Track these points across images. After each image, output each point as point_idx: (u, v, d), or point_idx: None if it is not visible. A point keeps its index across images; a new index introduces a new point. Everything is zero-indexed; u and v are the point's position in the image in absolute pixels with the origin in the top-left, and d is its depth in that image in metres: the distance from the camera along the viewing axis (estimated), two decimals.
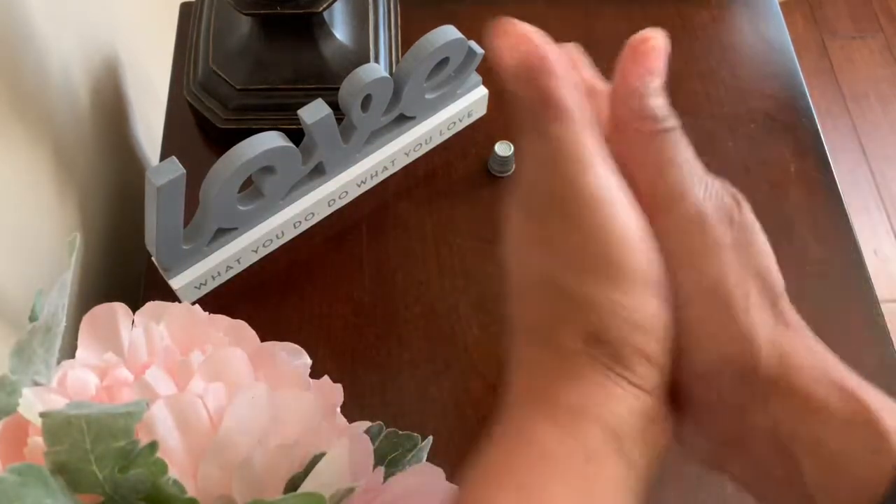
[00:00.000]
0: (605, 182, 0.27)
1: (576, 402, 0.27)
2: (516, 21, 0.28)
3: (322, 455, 0.34)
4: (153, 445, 0.29)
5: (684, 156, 0.29)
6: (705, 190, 0.29)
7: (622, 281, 0.27)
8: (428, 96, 0.61)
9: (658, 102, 0.29)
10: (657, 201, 0.29)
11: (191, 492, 0.30)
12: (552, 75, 0.28)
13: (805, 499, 0.27)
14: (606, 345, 0.27)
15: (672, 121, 0.29)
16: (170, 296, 0.56)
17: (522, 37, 0.28)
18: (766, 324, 0.28)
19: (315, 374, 0.42)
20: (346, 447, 0.34)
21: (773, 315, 0.28)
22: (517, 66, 0.28)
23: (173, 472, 0.30)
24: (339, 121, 0.56)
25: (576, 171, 0.27)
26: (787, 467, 0.27)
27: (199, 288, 0.58)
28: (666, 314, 0.28)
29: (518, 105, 0.29)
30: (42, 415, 0.28)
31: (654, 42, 0.29)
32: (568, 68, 0.28)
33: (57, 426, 0.28)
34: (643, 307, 0.27)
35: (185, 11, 0.73)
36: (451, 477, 0.37)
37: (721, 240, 0.28)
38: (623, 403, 0.27)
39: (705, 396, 0.28)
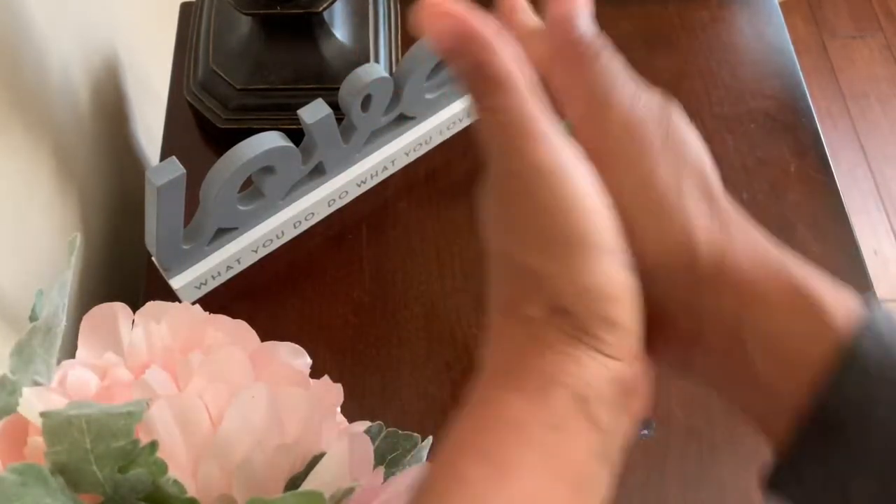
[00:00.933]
0: (554, 150, 0.27)
1: (544, 372, 0.27)
2: (437, 0, 0.27)
3: (322, 455, 0.34)
4: (153, 445, 0.29)
5: (613, 70, 0.30)
6: (633, 98, 0.29)
7: (579, 250, 0.27)
8: (428, 96, 0.61)
9: (586, 28, 0.31)
10: (589, 113, 0.29)
11: (191, 492, 0.30)
12: (484, 47, 0.27)
13: (759, 388, 0.28)
14: (571, 316, 0.27)
15: (600, 43, 0.30)
16: (170, 296, 0.56)
17: (447, 13, 0.27)
18: (702, 215, 0.28)
19: (315, 374, 0.42)
20: (345, 447, 0.34)
21: (709, 207, 0.28)
22: (449, 45, 0.28)
23: (173, 472, 0.30)
24: (339, 121, 0.56)
25: (523, 143, 0.27)
26: (739, 358, 0.28)
27: (200, 288, 0.58)
28: (630, 279, 0.27)
29: (463, 84, 0.28)
30: (42, 415, 0.28)
31: None
32: (500, 37, 0.28)
33: (57, 426, 0.28)
34: (604, 274, 0.27)
35: (185, 11, 0.73)
36: None
37: (651, 141, 0.28)
38: (592, 371, 0.27)
39: (654, 294, 0.28)
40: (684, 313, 0.28)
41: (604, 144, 0.29)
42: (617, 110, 0.29)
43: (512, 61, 0.28)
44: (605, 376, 0.27)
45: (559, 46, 0.30)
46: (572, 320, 0.27)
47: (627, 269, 0.27)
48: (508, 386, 0.27)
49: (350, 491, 0.33)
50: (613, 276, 0.27)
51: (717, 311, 0.28)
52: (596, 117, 0.29)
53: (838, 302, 0.27)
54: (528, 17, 0.33)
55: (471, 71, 0.28)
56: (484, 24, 0.27)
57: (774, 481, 0.28)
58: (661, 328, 0.29)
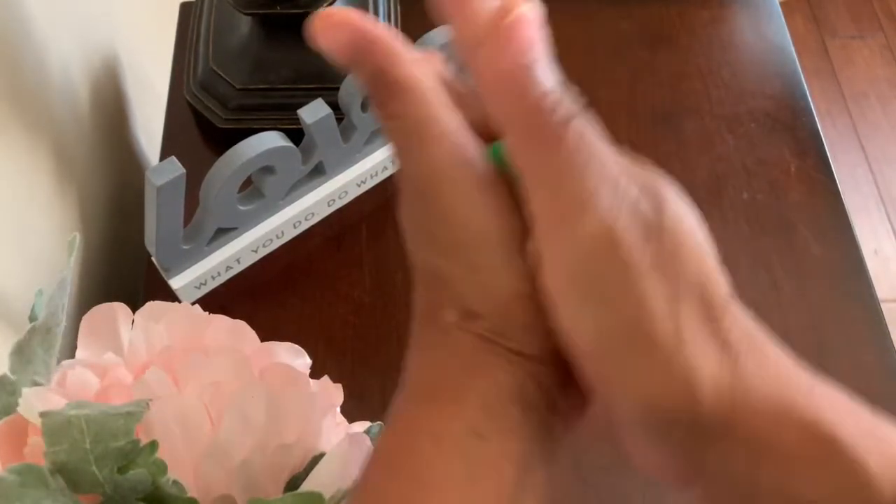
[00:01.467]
0: (450, 150, 0.25)
1: (458, 379, 0.25)
2: (334, 9, 0.26)
3: (322, 455, 0.34)
4: (153, 445, 0.29)
5: (589, 151, 0.23)
6: (615, 195, 0.23)
7: (475, 249, 0.24)
8: None
9: (547, 85, 0.23)
10: (553, 217, 0.23)
11: (191, 492, 0.30)
12: (381, 54, 0.25)
13: None
14: (481, 317, 0.25)
15: (571, 105, 0.24)
16: (170, 296, 0.56)
17: (343, 23, 0.25)
18: (708, 357, 0.22)
19: (315, 374, 0.42)
20: (345, 447, 0.34)
21: (715, 343, 0.22)
22: (348, 56, 0.26)
23: (173, 473, 0.30)
24: (339, 121, 0.56)
25: (420, 146, 0.25)
26: None
27: (199, 288, 0.58)
28: (529, 271, 0.24)
29: (367, 93, 0.27)
30: (42, 415, 0.28)
31: (520, 12, 0.23)
32: (399, 43, 0.26)
33: (57, 426, 0.28)
34: (504, 271, 0.24)
35: (185, 11, 0.73)
36: None
37: (637, 263, 0.22)
38: (508, 373, 0.24)
39: (636, 448, 0.25)
40: (688, 470, 0.24)
41: (569, 268, 0.23)
42: (591, 218, 0.22)
43: (410, 64, 0.25)
44: (521, 378, 0.25)
45: (508, 113, 0.24)
46: (482, 322, 0.25)
47: (527, 261, 0.24)
48: (424, 398, 0.25)
49: (350, 492, 0.33)
50: (514, 272, 0.24)
51: (727, 472, 0.23)
52: (560, 226, 0.23)
53: (878, 451, 0.22)
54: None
55: (370, 79, 0.26)
56: (379, 31, 0.25)
57: None
58: (640, 467, 0.26)
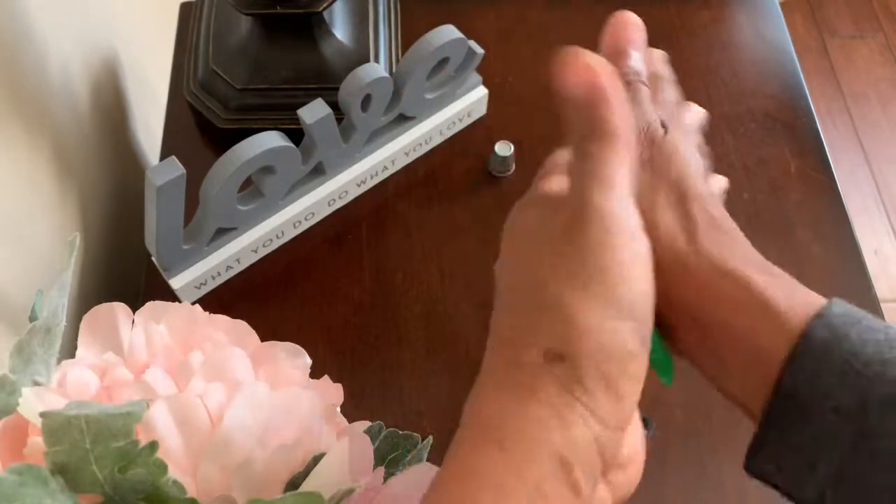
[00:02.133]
0: (624, 207, 0.28)
1: (527, 428, 0.26)
2: (581, 51, 0.28)
3: (322, 455, 0.34)
4: (153, 445, 0.29)
5: (635, 96, 0.35)
6: (639, 116, 0.34)
7: (608, 303, 0.26)
8: (428, 96, 0.61)
9: (632, 64, 0.36)
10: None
11: (191, 492, 0.30)
12: (608, 104, 0.28)
13: (731, 378, 0.31)
14: (568, 363, 0.26)
15: (641, 78, 0.36)
16: (170, 296, 0.56)
17: (587, 67, 0.28)
18: (671, 224, 0.32)
19: (315, 374, 0.42)
20: (345, 447, 0.34)
21: (678, 216, 0.32)
22: (579, 95, 0.28)
23: (173, 473, 0.30)
24: (339, 121, 0.56)
25: (600, 190, 0.28)
26: (710, 350, 0.31)
27: (200, 288, 0.58)
28: (643, 354, 0.27)
29: (566, 127, 0.30)
30: (42, 415, 0.28)
31: (628, 19, 0.38)
32: (624, 102, 0.29)
33: (57, 426, 0.28)
34: (621, 334, 0.26)
35: (185, 11, 0.73)
36: None
37: (642, 162, 0.33)
38: (578, 432, 0.26)
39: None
40: (665, 306, 0.32)
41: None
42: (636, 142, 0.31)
43: (625, 124, 0.28)
44: (589, 440, 0.26)
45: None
46: (568, 369, 0.26)
47: (645, 345, 0.28)
48: (491, 442, 0.26)
49: (350, 492, 0.33)
50: (629, 340, 0.27)
51: (684, 305, 0.32)
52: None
53: (792, 302, 0.30)
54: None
55: (585, 116, 0.28)
56: (613, 82, 0.28)
57: (752, 463, 0.31)
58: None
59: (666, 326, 0.33)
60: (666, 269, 0.31)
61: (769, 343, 0.30)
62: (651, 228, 0.30)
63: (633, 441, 0.32)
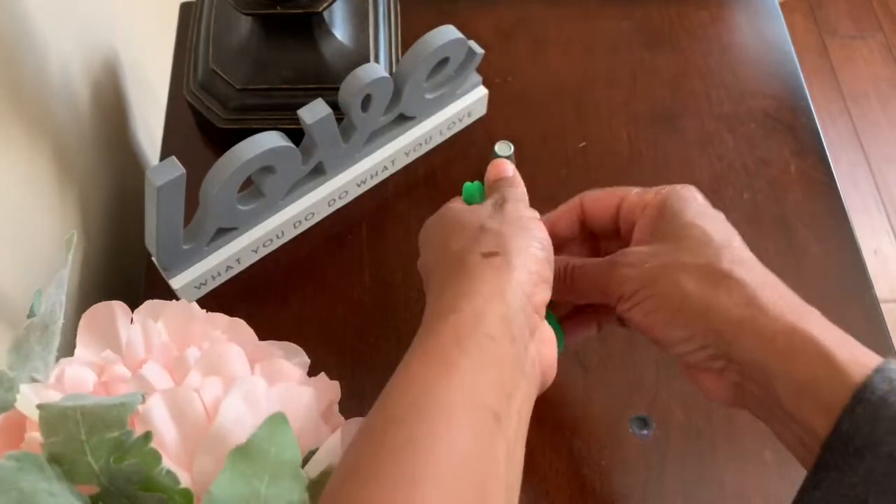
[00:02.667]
0: (525, 207, 0.44)
1: (475, 299, 0.35)
2: (501, 161, 0.47)
3: (315, 449, 0.34)
4: (147, 436, 0.29)
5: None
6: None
7: (523, 231, 0.39)
8: (428, 96, 0.62)
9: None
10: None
11: (187, 483, 0.30)
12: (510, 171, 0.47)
13: (791, 423, 0.35)
14: (500, 256, 0.37)
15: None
16: (170, 295, 0.56)
17: (501, 163, 0.47)
18: (721, 294, 0.38)
19: (315, 373, 0.42)
20: (338, 439, 0.34)
21: (722, 284, 0.39)
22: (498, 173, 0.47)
23: (168, 463, 0.30)
24: (339, 121, 0.56)
25: (512, 195, 0.44)
26: (772, 398, 0.36)
27: (200, 288, 0.58)
28: (551, 264, 0.40)
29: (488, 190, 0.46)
30: (39, 406, 0.28)
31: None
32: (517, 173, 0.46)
33: (53, 418, 0.28)
34: (533, 245, 0.39)
35: (185, 11, 0.73)
36: None
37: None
38: (513, 299, 0.36)
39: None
40: (729, 363, 0.38)
41: None
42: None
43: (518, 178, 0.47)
44: (521, 306, 0.36)
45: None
46: (502, 261, 0.36)
47: (551, 263, 0.40)
48: (450, 311, 0.35)
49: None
50: (539, 251, 0.39)
51: (751, 363, 0.36)
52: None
53: (853, 357, 0.34)
54: None
55: (500, 176, 0.47)
56: (511, 167, 0.46)
57: (803, 500, 0.34)
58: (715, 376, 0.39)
59: (731, 382, 0.39)
60: (729, 331, 0.37)
61: (832, 393, 0.33)
62: (702, 300, 0.37)
63: (548, 337, 0.40)
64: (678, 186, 0.42)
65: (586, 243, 0.46)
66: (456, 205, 0.44)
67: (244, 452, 0.30)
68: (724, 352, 0.37)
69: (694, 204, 0.41)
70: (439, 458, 0.30)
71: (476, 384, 0.32)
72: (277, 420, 0.31)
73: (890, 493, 0.31)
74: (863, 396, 0.33)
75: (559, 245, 0.44)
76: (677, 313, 0.38)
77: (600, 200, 0.44)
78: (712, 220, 0.41)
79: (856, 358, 0.34)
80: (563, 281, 0.42)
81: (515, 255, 0.37)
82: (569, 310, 0.46)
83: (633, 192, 0.43)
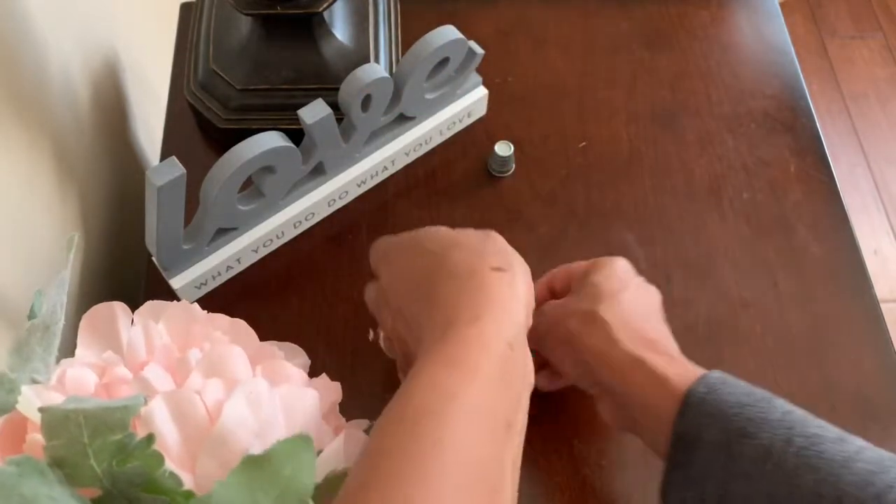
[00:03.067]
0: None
1: (496, 309, 0.38)
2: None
3: (320, 452, 0.34)
4: (149, 438, 0.29)
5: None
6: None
7: (518, 262, 0.42)
8: (428, 96, 0.62)
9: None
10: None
11: (189, 485, 0.30)
12: None
13: (645, 429, 0.44)
14: (507, 271, 0.40)
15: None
16: (170, 296, 0.56)
17: None
18: (594, 332, 0.47)
19: (315, 373, 0.42)
20: (341, 442, 0.34)
21: (595, 325, 0.47)
22: None
23: (171, 465, 0.30)
24: (339, 121, 0.56)
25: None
26: (627, 412, 0.45)
27: (200, 288, 0.58)
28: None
29: None
30: (40, 409, 0.28)
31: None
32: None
33: (55, 421, 0.28)
34: (527, 269, 0.43)
35: (185, 12, 0.73)
36: None
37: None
38: (518, 313, 0.40)
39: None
40: (592, 387, 0.48)
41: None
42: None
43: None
44: (524, 320, 0.40)
45: None
46: (508, 276, 0.40)
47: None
48: (472, 320, 0.37)
49: (346, 473, 0.33)
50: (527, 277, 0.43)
51: (607, 386, 0.46)
52: None
53: (682, 373, 0.43)
54: None
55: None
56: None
57: (663, 492, 0.42)
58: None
59: (597, 401, 0.47)
60: (593, 361, 0.45)
61: (665, 404, 0.42)
62: (577, 336, 0.46)
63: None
64: (608, 258, 0.50)
65: None
66: (430, 227, 0.48)
67: (258, 463, 0.29)
68: (595, 380, 0.46)
69: (609, 268, 0.49)
70: (461, 462, 0.31)
71: (494, 392, 0.35)
72: (301, 442, 0.31)
73: (719, 475, 0.39)
74: (688, 401, 0.41)
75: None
76: (564, 347, 0.47)
77: (560, 271, 0.52)
78: (615, 282, 0.48)
79: (684, 373, 0.43)
80: None
81: (518, 273, 0.41)
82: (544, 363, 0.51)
83: (581, 263, 0.51)
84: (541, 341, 0.48)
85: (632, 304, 0.47)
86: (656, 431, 0.43)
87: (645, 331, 0.46)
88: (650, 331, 0.46)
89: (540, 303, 0.51)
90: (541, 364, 0.50)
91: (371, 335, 0.56)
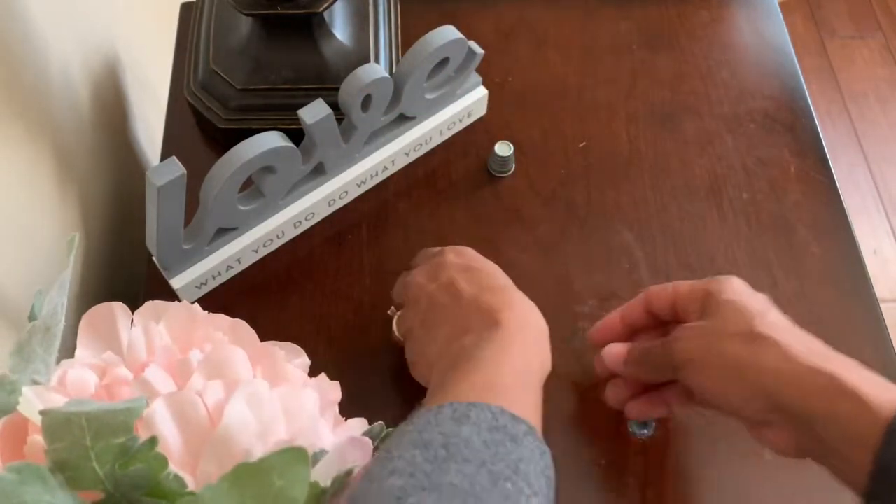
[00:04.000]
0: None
1: (495, 356, 0.42)
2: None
3: (322, 452, 0.34)
4: (153, 440, 0.29)
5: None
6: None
7: (528, 307, 0.47)
8: (428, 96, 0.62)
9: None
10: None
11: (191, 487, 0.30)
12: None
13: (834, 457, 0.40)
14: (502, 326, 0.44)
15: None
16: (170, 295, 0.56)
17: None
18: (761, 351, 0.43)
19: (314, 373, 0.42)
20: (342, 443, 0.34)
21: (758, 343, 0.44)
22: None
23: (173, 467, 0.30)
24: (339, 121, 0.56)
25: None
26: (813, 439, 0.41)
27: (200, 287, 0.58)
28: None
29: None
30: (42, 412, 0.28)
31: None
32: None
33: (57, 424, 0.28)
34: (532, 315, 0.47)
35: (185, 12, 0.73)
36: None
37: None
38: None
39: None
40: (767, 410, 0.43)
41: None
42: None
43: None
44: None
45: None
46: (503, 331, 0.44)
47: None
48: (510, 343, 0.43)
49: (349, 473, 0.33)
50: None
51: (788, 407, 0.41)
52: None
53: (877, 393, 0.39)
54: None
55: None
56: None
57: None
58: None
59: (787, 432, 0.42)
60: (772, 383, 0.42)
61: (865, 430, 0.38)
62: (747, 360, 0.42)
63: None
64: (721, 276, 0.47)
65: (658, 331, 0.51)
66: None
67: (251, 472, 0.29)
68: (772, 404, 0.42)
69: (732, 286, 0.46)
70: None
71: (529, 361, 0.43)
72: (296, 455, 0.30)
73: None
74: (893, 429, 0.37)
75: (633, 333, 0.51)
76: (727, 375, 0.43)
77: (661, 292, 0.49)
78: (750, 297, 0.45)
79: (885, 393, 0.39)
80: (636, 361, 0.48)
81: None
82: (639, 391, 0.50)
83: (687, 283, 0.48)
84: (686, 371, 0.45)
85: (781, 318, 0.44)
86: (849, 458, 0.39)
87: (814, 342, 0.43)
88: (817, 342, 0.43)
89: (640, 327, 0.51)
90: (637, 391, 0.50)
91: (391, 311, 0.55)
